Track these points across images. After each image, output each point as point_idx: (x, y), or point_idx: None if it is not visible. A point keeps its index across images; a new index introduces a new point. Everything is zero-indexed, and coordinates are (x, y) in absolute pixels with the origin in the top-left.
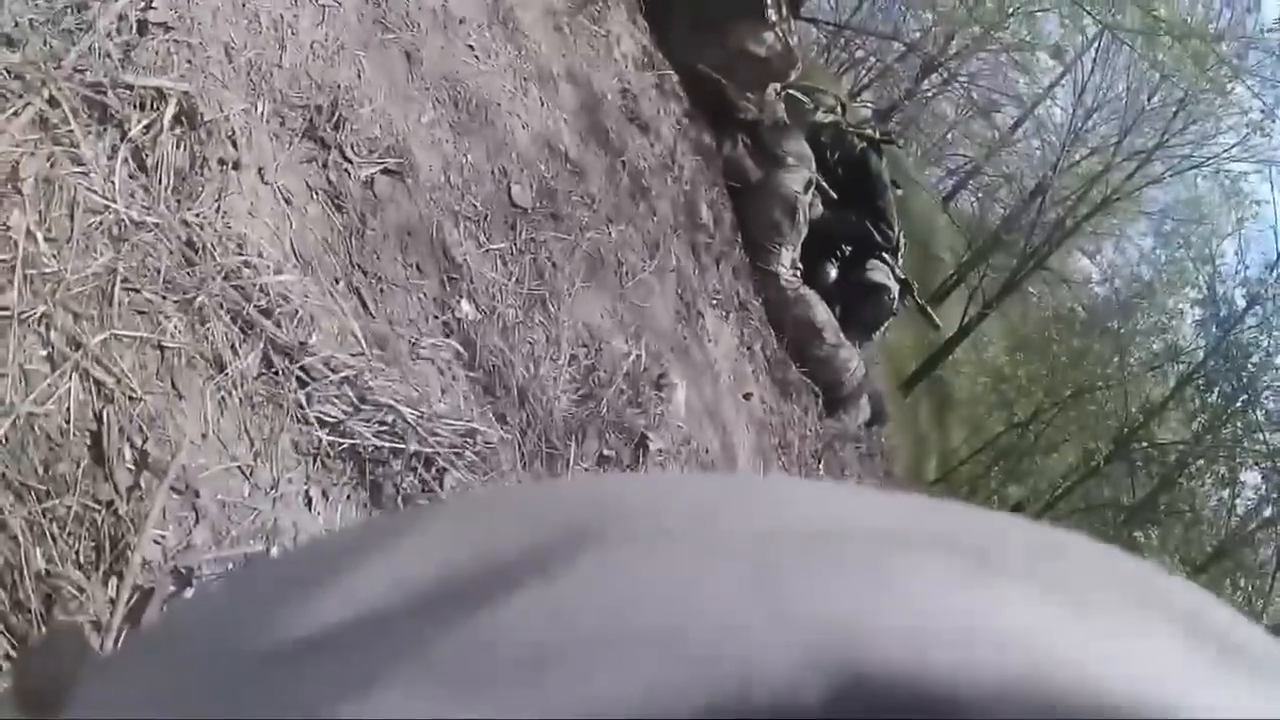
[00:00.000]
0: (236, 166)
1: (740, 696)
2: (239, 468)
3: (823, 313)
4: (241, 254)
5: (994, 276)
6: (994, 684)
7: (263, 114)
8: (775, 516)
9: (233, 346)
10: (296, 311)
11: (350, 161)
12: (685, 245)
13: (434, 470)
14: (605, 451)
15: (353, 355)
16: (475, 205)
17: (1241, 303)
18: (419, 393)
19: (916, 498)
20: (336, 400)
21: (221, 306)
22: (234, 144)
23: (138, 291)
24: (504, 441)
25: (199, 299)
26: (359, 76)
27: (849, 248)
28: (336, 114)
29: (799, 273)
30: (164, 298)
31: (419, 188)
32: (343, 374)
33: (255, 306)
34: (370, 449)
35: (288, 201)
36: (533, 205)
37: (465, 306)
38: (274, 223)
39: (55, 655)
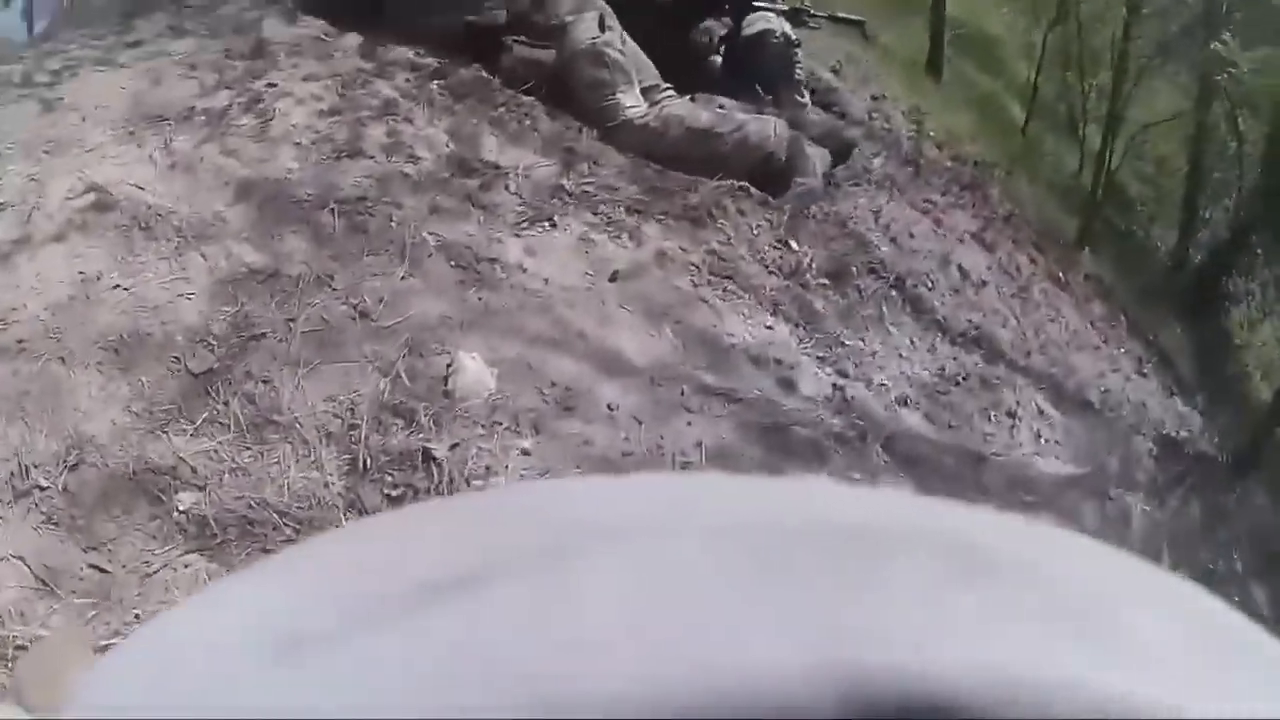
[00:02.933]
0: None
1: (738, 697)
2: None
3: (702, 112)
4: None
5: None
6: (996, 685)
7: None
8: (769, 515)
9: None
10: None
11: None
12: (452, 212)
13: None
14: (391, 493)
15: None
16: (155, 411)
17: None
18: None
19: (913, 496)
20: None
21: None
22: None
23: None
24: None
25: None
26: None
27: (720, 32)
28: None
29: (666, 95)
30: None
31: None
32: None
33: None
34: None
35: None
36: (219, 358)
37: (184, 497)
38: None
39: (56, 656)
